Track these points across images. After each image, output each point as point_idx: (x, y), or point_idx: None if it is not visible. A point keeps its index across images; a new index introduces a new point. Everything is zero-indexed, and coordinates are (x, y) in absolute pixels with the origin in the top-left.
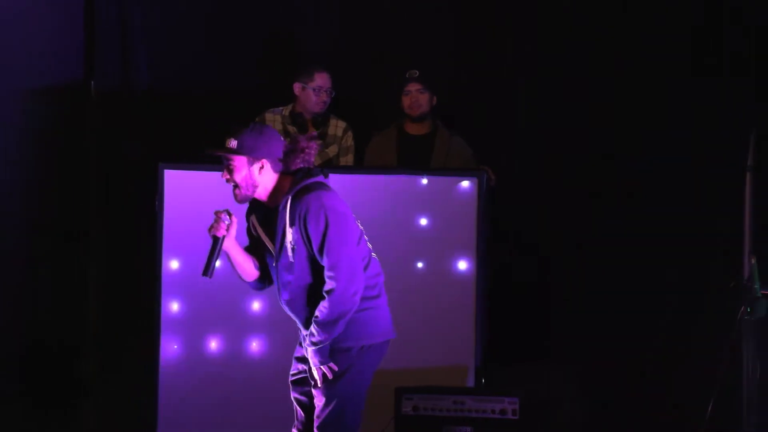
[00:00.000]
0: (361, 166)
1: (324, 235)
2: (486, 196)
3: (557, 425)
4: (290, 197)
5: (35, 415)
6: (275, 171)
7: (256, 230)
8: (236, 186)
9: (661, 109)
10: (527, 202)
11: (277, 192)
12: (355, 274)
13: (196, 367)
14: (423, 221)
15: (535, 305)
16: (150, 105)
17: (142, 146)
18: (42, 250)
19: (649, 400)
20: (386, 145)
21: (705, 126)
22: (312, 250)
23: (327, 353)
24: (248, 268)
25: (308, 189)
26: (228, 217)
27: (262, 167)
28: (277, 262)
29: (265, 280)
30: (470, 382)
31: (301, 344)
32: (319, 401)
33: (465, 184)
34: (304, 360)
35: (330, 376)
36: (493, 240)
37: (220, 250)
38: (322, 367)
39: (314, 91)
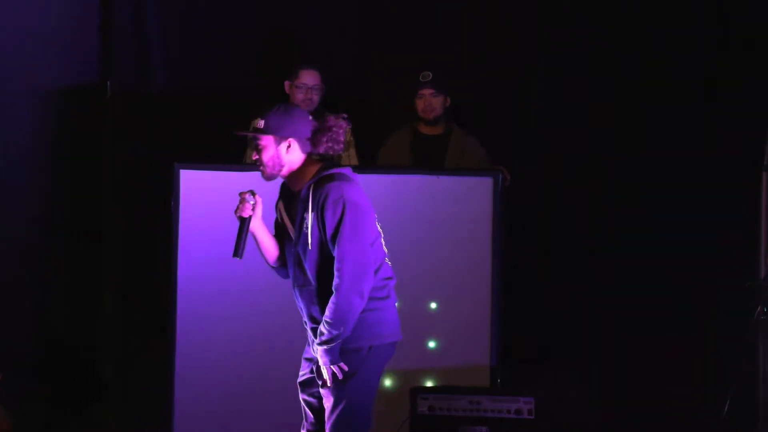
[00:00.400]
0: (375, 165)
1: (338, 225)
2: (502, 195)
3: (573, 425)
4: (313, 183)
5: (54, 415)
6: (303, 151)
7: (282, 218)
8: (263, 165)
9: (684, 106)
10: (545, 202)
11: (302, 175)
12: (363, 273)
13: (212, 367)
14: (438, 221)
15: (551, 305)
16: (167, 105)
17: (158, 146)
18: (59, 250)
19: (664, 400)
20: (401, 146)
21: (720, 126)
22: (325, 237)
23: (337, 353)
24: (274, 251)
25: (332, 178)
26: (252, 196)
27: (289, 146)
28: (295, 247)
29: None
30: (486, 382)
31: (310, 344)
32: (328, 402)
33: (480, 183)
34: (313, 360)
35: (340, 376)
36: (511, 239)
37: (247, 231)
38: (332, 366)
39: (299, 88)
